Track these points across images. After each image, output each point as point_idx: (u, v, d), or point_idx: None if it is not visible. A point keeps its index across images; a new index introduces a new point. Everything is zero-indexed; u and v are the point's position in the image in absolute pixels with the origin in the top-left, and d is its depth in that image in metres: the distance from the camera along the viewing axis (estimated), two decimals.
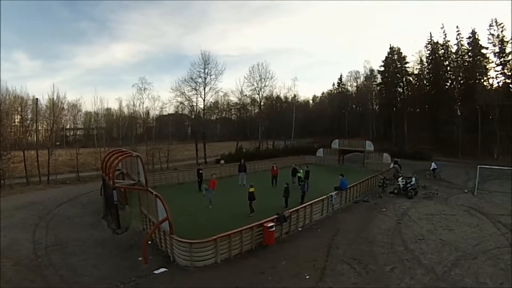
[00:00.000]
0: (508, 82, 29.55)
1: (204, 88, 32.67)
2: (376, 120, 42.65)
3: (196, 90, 32.61)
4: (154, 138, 35.29)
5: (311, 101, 60.33)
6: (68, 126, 40.78)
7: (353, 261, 8.95)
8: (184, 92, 32.59)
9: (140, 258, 9.21)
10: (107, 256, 9.74)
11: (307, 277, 8.07)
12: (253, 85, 37.80)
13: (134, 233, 11.55)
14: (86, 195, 17.60)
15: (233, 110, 58.15)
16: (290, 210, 11.10)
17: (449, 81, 35.14)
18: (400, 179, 16.47)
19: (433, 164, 21.72)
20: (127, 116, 41.79)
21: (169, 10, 76.23)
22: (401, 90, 39.40)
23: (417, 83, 38.78)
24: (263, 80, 37.33)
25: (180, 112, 53.18)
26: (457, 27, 34.24)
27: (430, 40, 36.91)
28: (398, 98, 39.05)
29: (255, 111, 47.86)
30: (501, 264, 8.70)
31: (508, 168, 16.68)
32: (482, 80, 32.15)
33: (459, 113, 30.36)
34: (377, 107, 44.56)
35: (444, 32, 35.54)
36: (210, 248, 8.83)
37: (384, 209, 13.94)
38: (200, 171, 19.00)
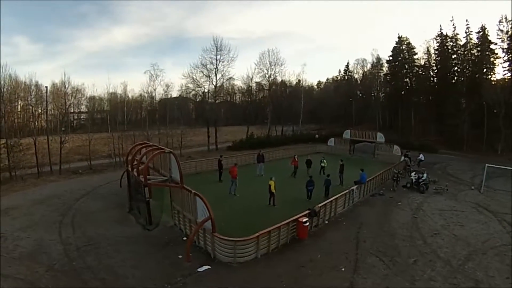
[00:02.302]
0: None
1: (216, 75, 32.56)
2: (382, 109, 43.16)
3: (209, 77, 32.50)
4: (160, 123, 35.28)
5: (315, 87, 60.63)
6: (72, 111, 40.12)
7: (380, 253, 9.98)
8: (195, 78, 32.54)
9: (180, 256, 9.42)
10: (145, 254, 9.63)
11: (343, 269, 9.04)
12: (262, 71, 37.96)
13: (165, 228, 11.60)
14: (104, 187, 17.35)
15: (238, 94, 58.20)
16: (319, 205, 12.07)
17: (456, 74, 35.41)
18: (413, 174, 17.59)
19: (421, 155, 22.85)
20: (131, 100, 41.46)
21: None
22: (409, 81, 39.63)
23: (423, 73, 38.95)
24: (273, 66, 37.46)
25: (184, 96, 52.97)
26: (466, 20, 34.33)
27: (440, 32, 36.77)
28: (406, 88, 39.35)
29: (260, 96, 48.06)
30: (507, 260, 9.69)
31: None
32: (489, 76, 32.54)
33: (464, 107, 30.92)
34: (382, 96, 45.08)
35: (453, 24, 35.53)
36: (252, 245, 9.41)
37: (399, 203, 15.00)
38: (222, 161, 19.18)
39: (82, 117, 43.47)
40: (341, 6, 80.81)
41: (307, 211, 11.44)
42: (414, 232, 11.80)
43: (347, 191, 14.06)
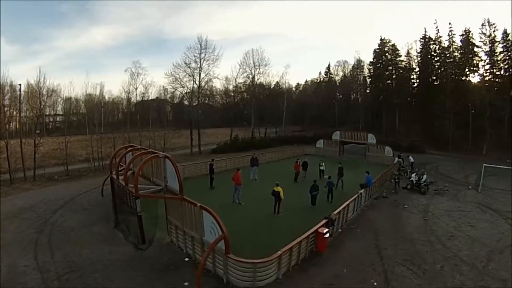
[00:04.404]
0: (497, 81, 31.41)
1: (199, 74, 31.36)
2: (364, 110, 43.66)
3: (192, 76, 31.24)
4: (138, 125, 33.09)
5: (294, 89, 60.83)
6: (47, 113, 36.68)
7: (406, 262, 9.39)
8: (178, 78, 31.16)
9: (186, 283, 8.06)
10: (144, 283, 8.09)
11: (375, 283, 8.27)
12: (246, 71, 37.17)
13: (161, 247, 10.05)
14: (84, 196, 15.63)
15: (216, 96, 56.63)
16: (335, 212, 11.21)
17: (440, 76, 36.32)
18: (413, 175, 17.53)
19: (410, 158, 23.18)
20: (108, 101, 39.10)
21: None
22: (392, 82, 40.28)
23: (407, 75, 39.87)
24: (257, 67, 36.79)
25: (163, 98, 50.83)
26: (449, 23, 35.56)
27: (424, 35, 37.83)
28: (389, 89, 39.96)
29: (239, 98, 47.13)
30: None
31: None
32: (472, 78, 34.01)
33: (449, 108, 31.69)
34: (360, 98, 46.04)
35: (436, 27, 36.72)
36: (273, 266, 8.18)
37: (406, 206, 14.68)
38: (213, 166, 17.67)
39: (58, 119, 39.88)
40: (320, 8, 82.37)
41: (324, 220, 10.48)
42: (430, 236, 11.43)
43: (356, 195, 13.37)
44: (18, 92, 22.06)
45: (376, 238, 11.15)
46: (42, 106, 23.45)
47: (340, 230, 11.76)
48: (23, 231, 11.19)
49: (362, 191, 13.97)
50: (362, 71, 44.89)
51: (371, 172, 15.63)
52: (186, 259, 9.33)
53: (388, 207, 14.62)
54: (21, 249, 9.80)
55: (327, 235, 10.00)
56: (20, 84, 21.96)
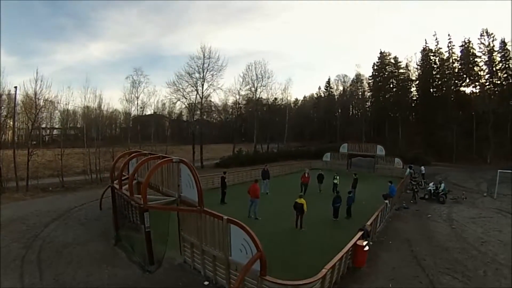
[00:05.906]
0: (497, 90, 32.39)
1: (202, 85, 31.00)
2: (365, 123, 43.84)
3: (196, 87, 30.90)
4: (136, 140, 32.47)
5: (292, 105, 61.74)
6: (44, 125, 35.68)
7: (449, 270, 9.21)
8: (181, 88, 30.66)
9: None
10: None
11: None
12: (248, 84, 37.18)
13: (173, 268, 8.86)
14: (80, 209, 14.49)
15: (214, 112, 56.87)
16: (368, 223, 11.06)
17: (442, 88, 37.14)
18: (431, 184, 17.73)
19: (422, 168, 23.46)
20: (106, 115, 38.57)
21: (148, 9, 73.02)
22: (394, 95, 40.97)
23: (409, 87, 40.62)
24: (259, 79, 36.89)
25: (160, 113, 50.60)
26: (448, 35, 36.80)
27: (425, 47, 38.95)
28: (391, 102, 40.61)
29: (237, 114, 47.28)
30: None
31: None
32: (474, 87, 34.94)
33: (452, 118, 32.36)
34: (360, 111, 46.87)
35: (436, 39, 37.95)
36: (316, 286, 7.09)
37: (429, 216, 14.67)
38: (225, 179, 16.59)
39: (54, 133, 39.19)
40: (315, 23, 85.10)
41: (360, 232, 10.27)
42: (463, 243, 11.39)
43: (383, 206, 13.31)
44: (13, 95, 21.71)
45: (411, 248, 10.97)
46: (37, 112, 22.42)
47: (371, 243, 11.57)
48: (9, 246, 9.99)
49: (387, 201, 13.94)
50: (362, 85, 45.79)
51: (383, 184, 15.63)
52: (206, 283, 8.20)
53: (412, 218, 14.55)
54: (4, 267, 8.60)
55: (367, 248, 9.77)
56: (16, 87, 21.44)
